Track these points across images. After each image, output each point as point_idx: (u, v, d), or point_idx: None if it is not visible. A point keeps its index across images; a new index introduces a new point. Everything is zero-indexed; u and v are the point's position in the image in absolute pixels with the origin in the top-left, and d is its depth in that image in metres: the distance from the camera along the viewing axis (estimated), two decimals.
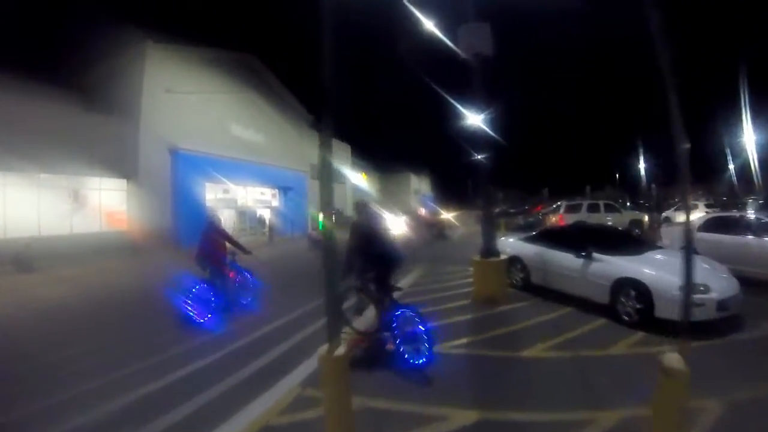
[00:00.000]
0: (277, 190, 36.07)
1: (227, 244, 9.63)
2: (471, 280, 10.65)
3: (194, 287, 8.70)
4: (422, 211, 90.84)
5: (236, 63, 31.49)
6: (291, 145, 37.74)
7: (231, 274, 9.66)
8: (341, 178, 50.52)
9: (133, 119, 24.17)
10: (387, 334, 6.32)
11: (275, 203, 35.64)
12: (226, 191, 30.00)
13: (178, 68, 26.72)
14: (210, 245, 9.23)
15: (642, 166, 50.44)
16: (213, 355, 6.79)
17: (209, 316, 8.65)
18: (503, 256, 10.11)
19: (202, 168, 26.75)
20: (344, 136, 53.07)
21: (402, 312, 6.17)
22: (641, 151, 50.34)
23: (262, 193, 34.20)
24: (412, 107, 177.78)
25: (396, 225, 42.23)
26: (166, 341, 7.47)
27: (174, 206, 25.52)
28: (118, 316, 9.86)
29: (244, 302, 9.83)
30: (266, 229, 32.08)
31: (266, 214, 33.57)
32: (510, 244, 11.52)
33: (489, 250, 9.84)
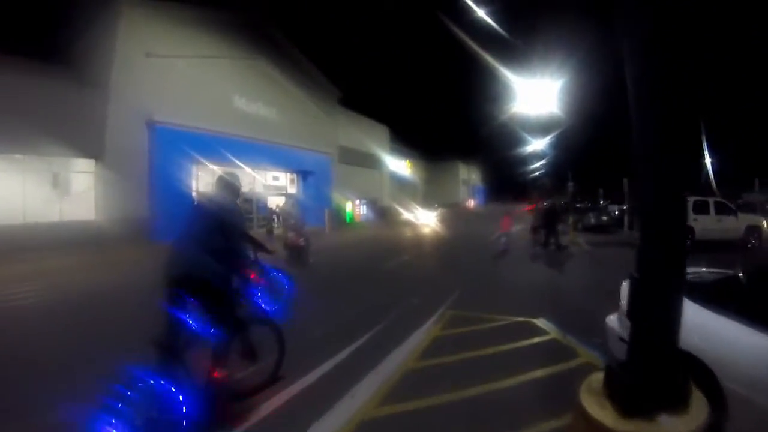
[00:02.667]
0: (295, 175, 29.44)
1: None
2: (544, 374, 4.11)
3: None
4: (470, 203, 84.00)
5: (241, 25, 24.73)
6: (313, 123, 30.71)
7: (252, 276, 6.41)
8: (376, 164, 43.29)
9: (102, 88, 18.59)
10: None
11: (293, 190, 29.00)
12: (226, 174, 23.58)
13: (164, 29, 20.72)
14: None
15: (708, 160, 38.86)
16: None
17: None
18: None
19: (191, 146, 20.47)
20: (383, 118, 45.93)
21: None
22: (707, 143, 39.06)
23: (275, 178, 27.55)
24: (465, 89, 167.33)
25: (427, 219, 35.42)
26: None
27: (151, 191, 19.48)
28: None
29: (270, 310, 6.72)
30: (265, 222, 24.91)
31: (270, 204, 26.59)
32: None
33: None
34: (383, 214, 38.13)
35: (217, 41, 23.13)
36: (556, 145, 55.27)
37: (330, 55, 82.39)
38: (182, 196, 20.18)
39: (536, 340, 5.72)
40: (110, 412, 3.07)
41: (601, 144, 59.78)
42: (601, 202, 37.50)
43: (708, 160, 35.77)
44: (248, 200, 24.79)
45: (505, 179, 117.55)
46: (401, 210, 36.61)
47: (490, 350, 5.34)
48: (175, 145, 19.89)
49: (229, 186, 4.13)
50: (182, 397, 3.27)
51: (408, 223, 33.06)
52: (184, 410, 3.26)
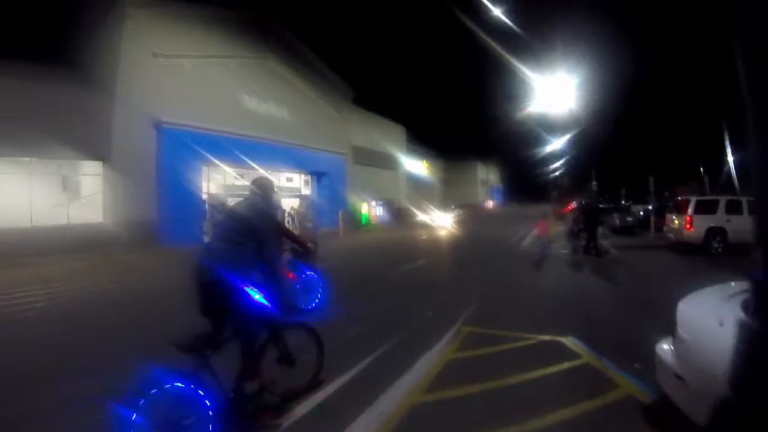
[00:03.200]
0: (309, 176, 28.86)
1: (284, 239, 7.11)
2: (579, 412, 3.49)
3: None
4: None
5: (250, 24, 24.23)
6: (326, 123, 30.17)
7: (290, 275, 7.51)
8: (392, 164, 42.58)
9: (108, 89, 18.33)
10: None
11: (307, 191, 28.37)
12: (240, 176, 23.10)
13: (170, 29, 20.44)
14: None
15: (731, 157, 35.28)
16: None
17: None
18: None
19: (199, 147, 19.97)
20: (399, 117, 45.22)
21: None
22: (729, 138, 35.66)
23: (289, 180, 26.94)
24: (484, 88, 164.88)
25: (444, 221, 34.36)
26: None
27: (159, 193, 19.05)
28: None
29: (306, 308, 7.56)
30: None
31: (285, 206, 25.90)
32: None
33: None
34: (400, 216, 37.29)
35: (224, 40, 22.69)
36: (576, 143, 53.94)
37: (343, 54, 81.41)
38: (191, 199, 19.77)
39: (566, 365, 4.84)
40: (136, 414, 2.95)
41: (624, 141, 57.70)
42: (622, 202, 36.04)
43: (730, 158, 33.31)
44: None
45: (525, 179, 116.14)
46: (416, 211, 35.67)
47: (512, 379, 4.49)
48: (183, 146, 19.44)
49: (262, 189, 4.00)
50: (209, 403, 3.17)
51: (424, 225, 32.11)
52: (210, 416, 3.17)
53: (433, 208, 34.77)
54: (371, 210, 35.20)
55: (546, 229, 15.51)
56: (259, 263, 3.67)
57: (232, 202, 22.79)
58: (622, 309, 7.57)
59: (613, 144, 54.94)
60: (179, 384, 3.10)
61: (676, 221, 15.56)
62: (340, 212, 25.63)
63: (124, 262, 14.94)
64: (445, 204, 45.78)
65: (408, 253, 17.26)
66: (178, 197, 19.00)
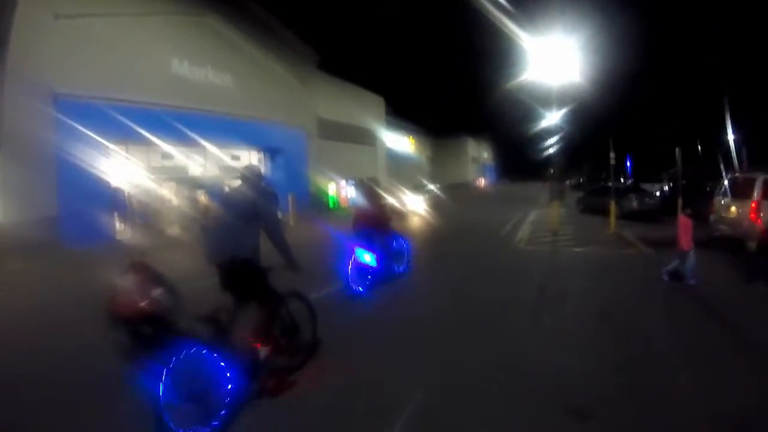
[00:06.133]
0: (262, 154, 25.71)
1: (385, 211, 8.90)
2: None
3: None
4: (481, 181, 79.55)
5: None
6: (283, 92, 26.75)
7: (389, 242, 8.70)
8: (368, 140, 39.50)
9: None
10: None
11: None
12: (166, 156, 19.90)
13: None
14: (371, 213, 8.36)
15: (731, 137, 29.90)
16: None
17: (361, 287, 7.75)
18: None
19: (114, 123, 16.70)
20: (379, 87, 41.85)
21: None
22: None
23: (235, 158, 23.56)
24: (475, 56, 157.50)
25: (415, 205, 27.69)
26: None
27: (60, 184, 15.99)
28: None
29: (399, 270, 9.06)
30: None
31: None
32: None
33: None
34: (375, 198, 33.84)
35: None
36: (576, 116, 50.57)
37: (307, 10, 72.47)
38: (101, 189, 16.75)
39: None
40: (158, 381, 3.12)
41: (628, 113, 52.51)
42: (621, 180, 32.62)
43: (731, 137, 29.00)
44: (201, 186, 21.08)
45: (519, 157, 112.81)
46: (385, 194, 31.43)
47: None
48: (91, 122, 16.11)
49: (254, 175, 4.40)
50: (228, 369, 3.55)
51: (395, 211, 27.32)
52: (229, 379, 3.56)
53: (403, 189, 30.35)
54: (340, 192, 31.88)
55: (689, 237, 8.23)
56: (272, 238, 4.18)
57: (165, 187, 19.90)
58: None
59: (619, 116, 49.74)
60: (200, 351, 3.45)
61: (733, 209, 11.52)
62: (290, 195, 21.97)
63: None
64: (434, 182, 42.35)
65: None
66: (83, 187, 15.86)
